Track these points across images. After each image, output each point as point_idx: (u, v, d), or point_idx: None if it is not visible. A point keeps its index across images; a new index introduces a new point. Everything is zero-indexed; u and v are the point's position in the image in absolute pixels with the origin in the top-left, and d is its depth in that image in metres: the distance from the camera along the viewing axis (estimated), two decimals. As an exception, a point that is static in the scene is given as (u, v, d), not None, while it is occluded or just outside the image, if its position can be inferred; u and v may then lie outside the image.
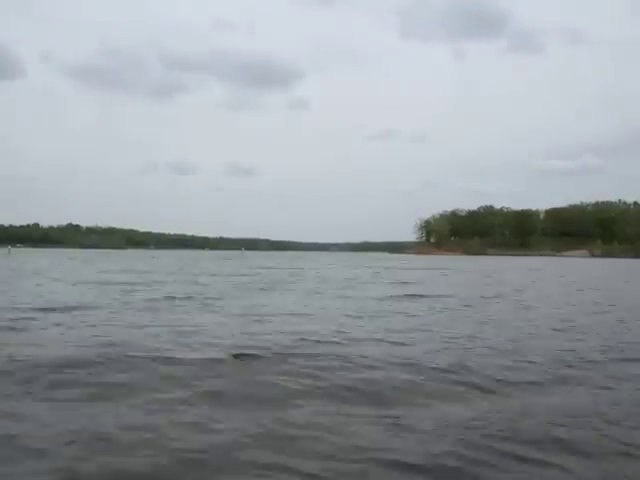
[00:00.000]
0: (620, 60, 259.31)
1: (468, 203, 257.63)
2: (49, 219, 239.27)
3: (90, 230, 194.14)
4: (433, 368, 5.42)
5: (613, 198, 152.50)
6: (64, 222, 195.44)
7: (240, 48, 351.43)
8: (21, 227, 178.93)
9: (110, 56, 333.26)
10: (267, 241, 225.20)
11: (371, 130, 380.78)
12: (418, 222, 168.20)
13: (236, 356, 5.76)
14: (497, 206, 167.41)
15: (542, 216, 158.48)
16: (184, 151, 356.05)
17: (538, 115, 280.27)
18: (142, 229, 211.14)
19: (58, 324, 8.05)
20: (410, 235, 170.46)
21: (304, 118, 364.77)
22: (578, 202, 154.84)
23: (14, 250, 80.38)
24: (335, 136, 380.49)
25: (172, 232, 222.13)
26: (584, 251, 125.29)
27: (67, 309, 9.94)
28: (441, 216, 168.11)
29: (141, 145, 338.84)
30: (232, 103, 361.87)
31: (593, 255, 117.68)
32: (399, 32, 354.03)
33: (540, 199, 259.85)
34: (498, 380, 5.03)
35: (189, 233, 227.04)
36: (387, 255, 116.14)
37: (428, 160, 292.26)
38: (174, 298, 12.27)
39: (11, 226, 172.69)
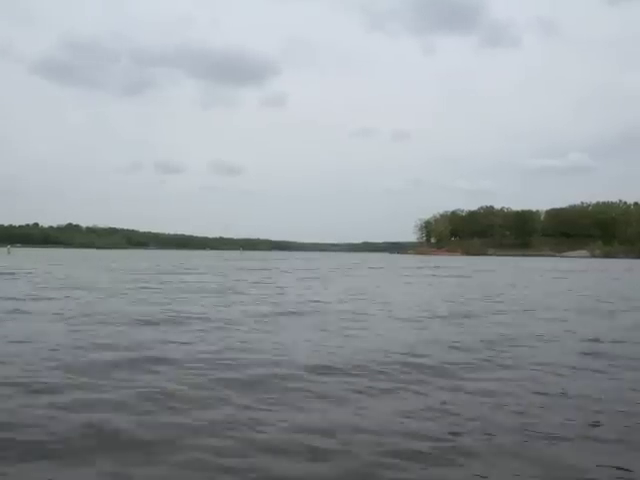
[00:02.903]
0: (619, 57, 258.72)
1: (464, 202, 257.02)
2: (48, 219, 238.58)
3: (90, 230, 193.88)
4: None
5: (613, 198, 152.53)
6: (64, 222, 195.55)
7: (212, 43, 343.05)
8: (20, 227, 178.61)
9: (78, 52, 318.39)
10: (268, 241, 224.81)
11: (356, 127, 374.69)
12: (418, 222, 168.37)
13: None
14: (496, 206, 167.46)
15: (542, 216, 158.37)
16: (171, 149, 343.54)
17: (529, 114, 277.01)
18: (141, 229, 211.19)
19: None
20: (410, 235, 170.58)
21: (285, 115, 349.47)
22: (578, 202, 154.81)
23: (14, 250, 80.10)
24: (321, 134, 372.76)
25: (171, 232, 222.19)
26: (584, 251, 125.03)
27: None
28: (441, 216, 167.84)
29: (126, 143, 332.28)
30: (211, 100, 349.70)
31: (593, 256, 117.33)
32: (377, 27, 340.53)
33: (535, 199, 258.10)
34: None
35: (187, 233, 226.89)
36: (395, 256, 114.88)
37: (418, 159, 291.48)
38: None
39: (11, 226, 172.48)
